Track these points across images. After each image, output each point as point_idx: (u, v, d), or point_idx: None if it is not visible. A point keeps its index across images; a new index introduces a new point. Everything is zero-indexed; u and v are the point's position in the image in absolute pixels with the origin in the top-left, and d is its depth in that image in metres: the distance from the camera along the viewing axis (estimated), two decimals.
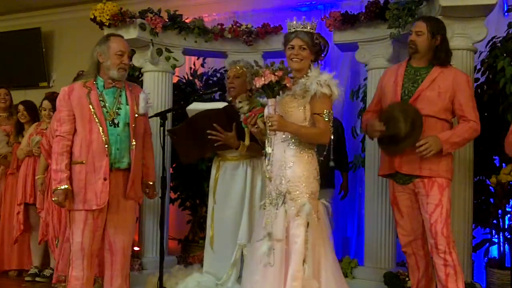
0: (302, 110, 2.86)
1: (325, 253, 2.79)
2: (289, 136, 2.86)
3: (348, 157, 4.80)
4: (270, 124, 2.77)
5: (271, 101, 2.78)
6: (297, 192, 2.80)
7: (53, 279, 4.26)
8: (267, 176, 2.88)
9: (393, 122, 3.14)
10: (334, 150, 3.89)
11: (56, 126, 3.17)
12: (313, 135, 2.85)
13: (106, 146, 3.08)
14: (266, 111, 2.89)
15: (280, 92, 2.84)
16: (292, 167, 2.83)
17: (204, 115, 3.63)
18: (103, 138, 3.08)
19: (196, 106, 3.80)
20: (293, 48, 2.92)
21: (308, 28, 2.93)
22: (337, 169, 4.67)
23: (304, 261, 2.70)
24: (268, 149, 2.84)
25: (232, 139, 3.58)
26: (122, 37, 3.35)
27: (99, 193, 3.06)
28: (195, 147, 3.75)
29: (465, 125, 3.15)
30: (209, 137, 3.59)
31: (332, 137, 2.86)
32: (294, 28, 2.95)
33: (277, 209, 2.81)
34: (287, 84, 2.78)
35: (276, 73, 2.72)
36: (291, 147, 2.86)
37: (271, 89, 2.76)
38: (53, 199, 3.14)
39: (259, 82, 2.76)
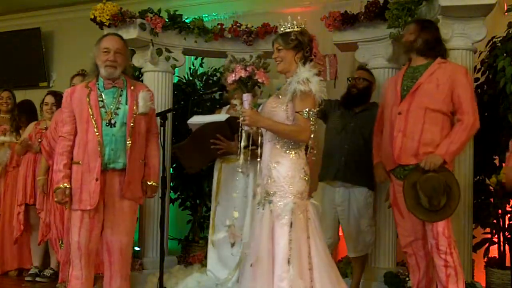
0: (284, 109, 2.84)
1: (317, 253, 2.77)
2: (275, 136, 2.86)
3: None
4: (242, 119, 2.80)
5: (245, 96, 2.81)
6: (282, 192, 2.80)
7: (59, 279, 4.27)
8: (240, 170, 2.93)
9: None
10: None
11: (59, 127, 3.23)
12: (289, 131, 2.82)
13: (99, 146, 3.08)
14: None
15: (256, 88, 2.87)
16: (276, 167, 2.83)
17: (208, 127, 3.68)
18: (98, 139, 3.08)
19: (197, 119, 3.83)
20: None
21: (287, 29, 2.91)
22: None
23: (288, 261, 2.70)
24: (242, 143, 2.86)
25: (235, 148, 3.58)
26: (118, 35, 3.31)
27: (92, 193, 3.07)
28: (199, 157, 3.80)
29: (459, 127, 3.12)
30: (212, 146, 3.63)
31: (312, 135, 2.81)
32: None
33: (263, 209, 2.83)
34: (260, 80, 2.80)
35: (247, 69, 2.75)
36: (276, 146, 2.86)
37: (244, 84, 2.80)
38: (55, 199, 3.16)
39: (230, 78, 2.81)
